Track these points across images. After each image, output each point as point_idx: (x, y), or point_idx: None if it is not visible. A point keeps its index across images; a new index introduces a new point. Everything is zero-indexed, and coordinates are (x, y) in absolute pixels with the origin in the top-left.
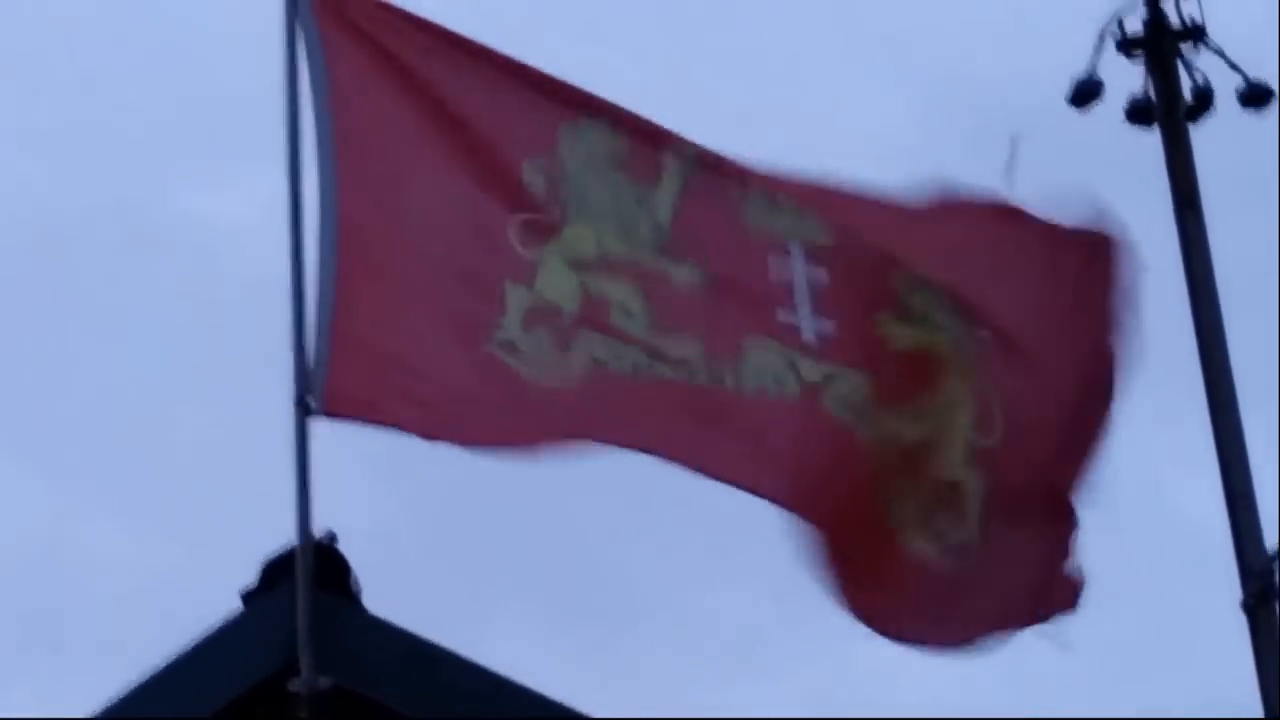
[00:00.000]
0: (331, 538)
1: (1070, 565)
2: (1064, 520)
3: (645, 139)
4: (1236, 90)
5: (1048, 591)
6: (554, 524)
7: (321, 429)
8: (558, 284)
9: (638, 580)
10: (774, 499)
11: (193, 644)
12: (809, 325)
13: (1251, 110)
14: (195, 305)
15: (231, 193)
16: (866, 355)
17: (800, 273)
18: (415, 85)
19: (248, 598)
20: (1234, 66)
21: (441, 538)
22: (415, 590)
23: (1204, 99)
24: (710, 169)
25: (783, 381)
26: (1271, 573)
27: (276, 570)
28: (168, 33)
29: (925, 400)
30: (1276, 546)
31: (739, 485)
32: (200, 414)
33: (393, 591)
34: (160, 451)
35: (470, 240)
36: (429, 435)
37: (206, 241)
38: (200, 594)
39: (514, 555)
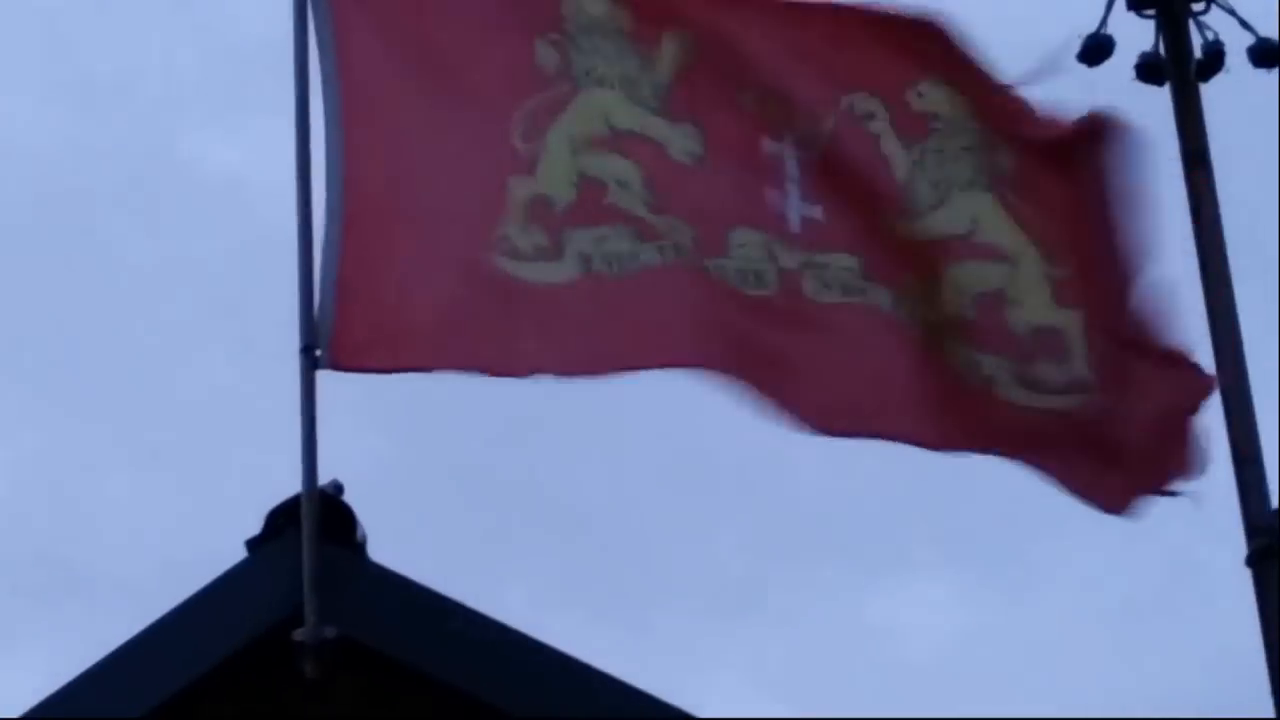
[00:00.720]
0: (337, 488)
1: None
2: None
3: (645, 17)
4: (1248, 49)
5: (1174, 445)
6: (559, 471)
7: (331, 378)
8: (558, 174)
9: (639, 526)
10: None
11: (197, 593)
12: (795, 210)
13: (1263, 69)
14: (207, 253)
15: (243, 141)
16: (860, 239)
17: (790, 160)
18: (420, 3)
19: (253, 546)
20: (1245, 25)
21: (453, 487)
22: (427, 541)
23: (1215, 57)
24: (705, 56)
25: (762, 275)
26: (1276, 529)
27: (282, 520)
28: None
29: (943, 282)
30: None
31: (761, 398)
32: (211, 362)
33: (404, 542)
34: (169, 400)
35: (476, 152)
36: (435, 368)
37: (219, 190)
38: (206, 542)
39: (523, 506)
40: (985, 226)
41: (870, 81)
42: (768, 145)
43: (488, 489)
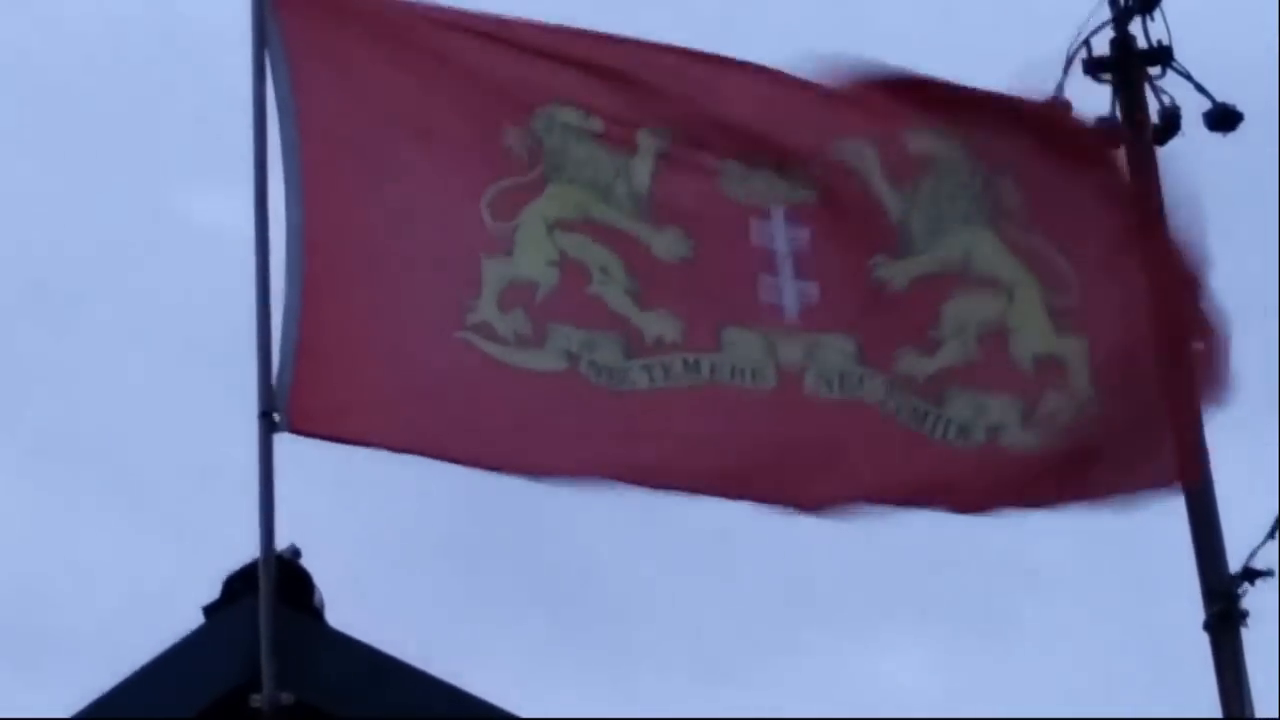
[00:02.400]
0: (295, 552)
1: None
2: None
3: (620, 121)
4: (1204, 113)
5: (1169, 455)
6: (539, 535)
7: (298, 442)
8: (535, 254)
9: (621, 591)
10: (768, 499)
11: (154, 658)
12: (791, 294)
13: (1219, 132)
14: (189, 307)
15: (227, 197)
16: (855, 314)
17: (781, 236)
18: (387, 62)
19: (210, 611)
20: (1201, 89)
21: (434, 550)
22: (406, 606)
23: (1171, 121)
24: (684, 144)
25: (760, 371)
26: (1234, 593)
27: (239, 584)
28: (175, 33)
29: (942, 321)
30: (1239, 568)
31: (735, 497)
32: (180, 419)
33: (383, 606)
34: (136, 458)
35: (443, 227)
36: (398, 449)
37: (206, 243)
38: (163, 606)
39: (505, 569)
40: (980, 259)
41: (859, 128)
42: (756, 229)
43: (471, 552)
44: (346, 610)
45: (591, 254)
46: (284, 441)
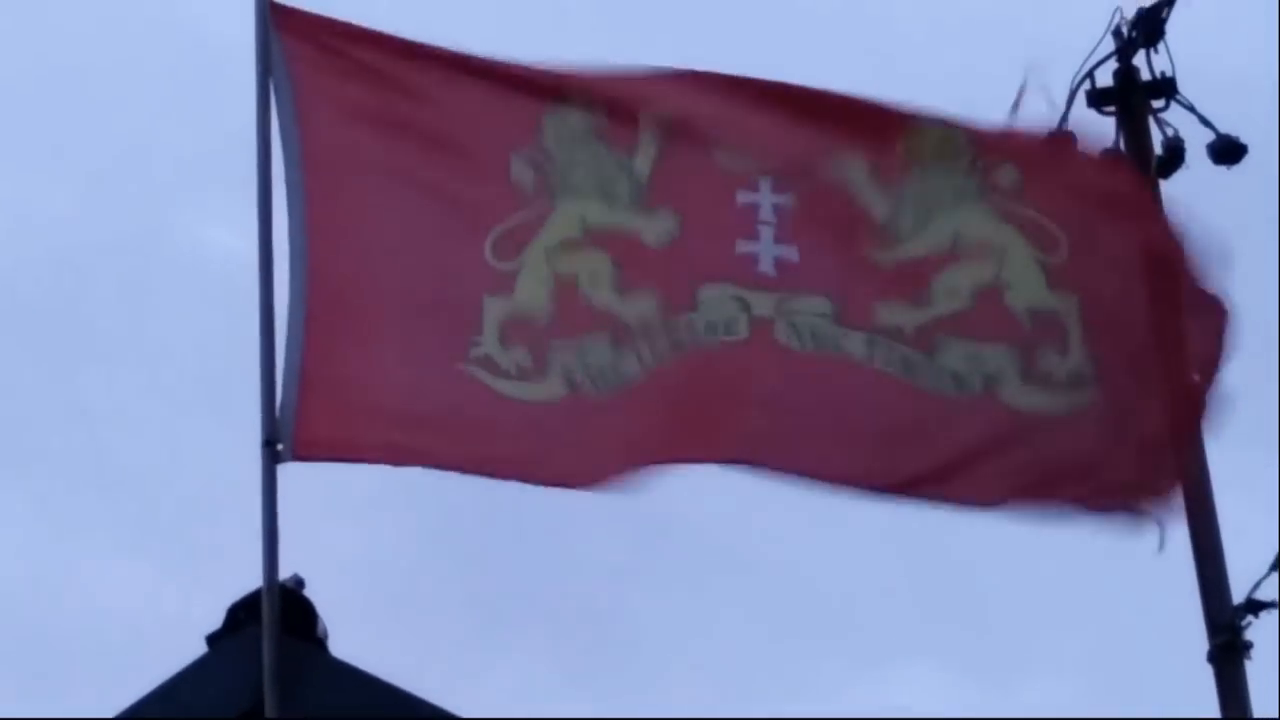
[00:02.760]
0: (298, 582)
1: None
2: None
3: (620, 110)
4: (1208, 145)
5: (1162, 459)
6: (546, 565)
7: (321, 473)
8: (535, 287)
9: (633, 614)
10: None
11: (159, 685)
12: (768, 254)
13: (1223, 165)
14: (199, 335)
15: (238, 225)
16: (834, 278)
17: (766, 200)
18: (390, 109)
19: (213, 640)
20: (1205, 121)
21: (448, 576)
22: (403, 635)
23: (1175, 153)
24: (683, 132)
25: (733, 324)
26: (1237, 625)
27: (243, 614)
28: (195, 64)
29: (932, 286)
30: (1242, 599)
31: (730, 461)
32: (189, 447)
33: (394, 635)
34: (143, 488)
35: (445, 262)
36: (399, 463)
37: (216, 272)
38: (168, 634)
39: (510, 599)
40: (970, 231)
41: (851, 141)
42: (742, 197)
43: (474, 582)
44: (349, 640)
45: (583, 263)
46: (290, 472)
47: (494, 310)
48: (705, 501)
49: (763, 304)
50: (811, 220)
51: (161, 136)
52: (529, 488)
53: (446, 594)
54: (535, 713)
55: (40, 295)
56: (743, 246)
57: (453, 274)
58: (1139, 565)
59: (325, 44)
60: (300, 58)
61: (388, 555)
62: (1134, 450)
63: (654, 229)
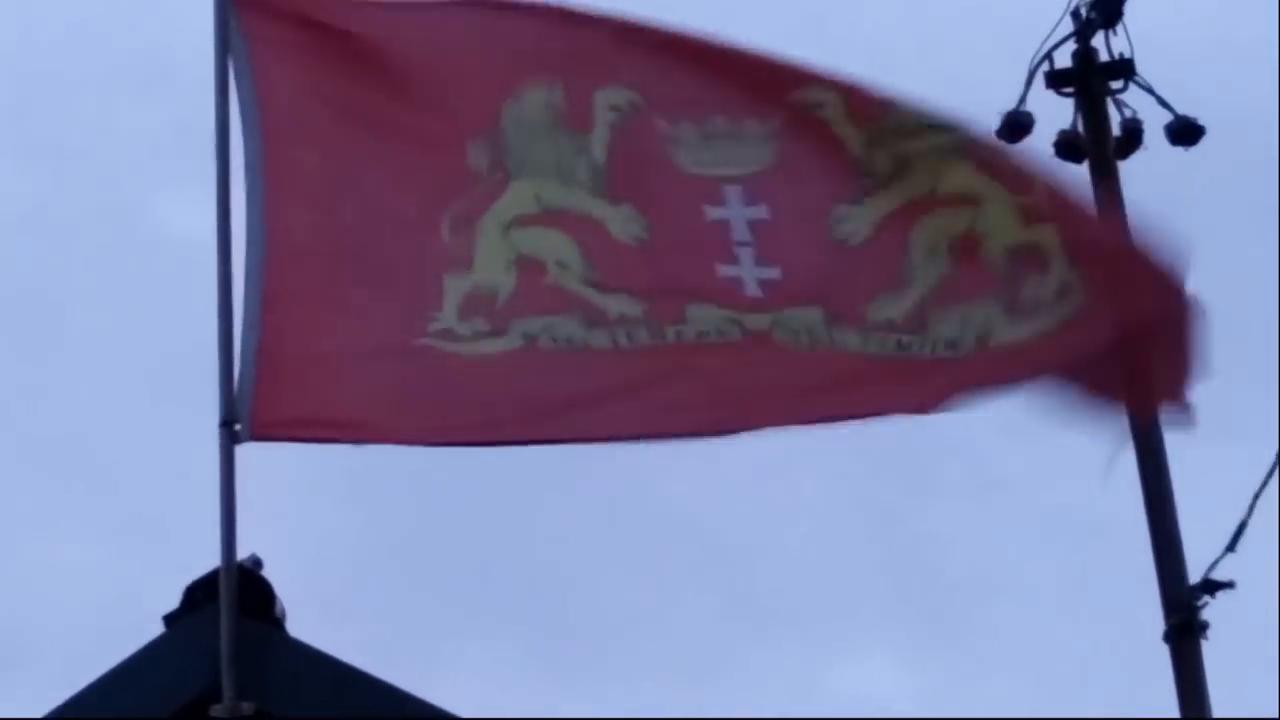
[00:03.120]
0: (256, 562)
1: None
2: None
3: (578, 85)
4: (1166, 126)
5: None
6: (503, 545)
7: (268, 453)
8: (494, 260)
9: (592, 597)
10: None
11: (114, 667)
12: (751, 277)
13: (1181, 146)
14: (165, 317)
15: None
16: (819, 284)
17: (739, 217)
18: (350, 88)
19: (170, 621)
20: (1163, 103)
21: (391, 562)
22: (362, 615)
23: (1133, 134)
24: (637, 113)
25: (726, 332)
26: (1194, 605)
27: (200, 594)
28: (160, 42)
29: (910, 250)
30: (1199, 579)
31: (695, 434)
32: (153, 427)
33: (338, 616)
34: (102, 466)
35: (404, 242)
36: (358, 442)
37: (183, 254)
38: (124, 615)
39: (469, 579)
40: (948, 181)
41: (819, 78)
42: (711, 212)
43: (434, 561)
44: (308, 620)
45: (547, 246)
46: (248, 452)
47: (454, 288)
48: (672, 486)
49: (757, 321)
50: (788, 211)
51: (123, 115)
52: (491, 456)
53: (408, 575)
54: (499, 695)
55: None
56: (725, 270)
57: (412, 254)
58: (1096, 542)
59: (284, 16)
60: (258, 34)
61: (347, 536)
62: (1131, 344)
63: (620, 223)
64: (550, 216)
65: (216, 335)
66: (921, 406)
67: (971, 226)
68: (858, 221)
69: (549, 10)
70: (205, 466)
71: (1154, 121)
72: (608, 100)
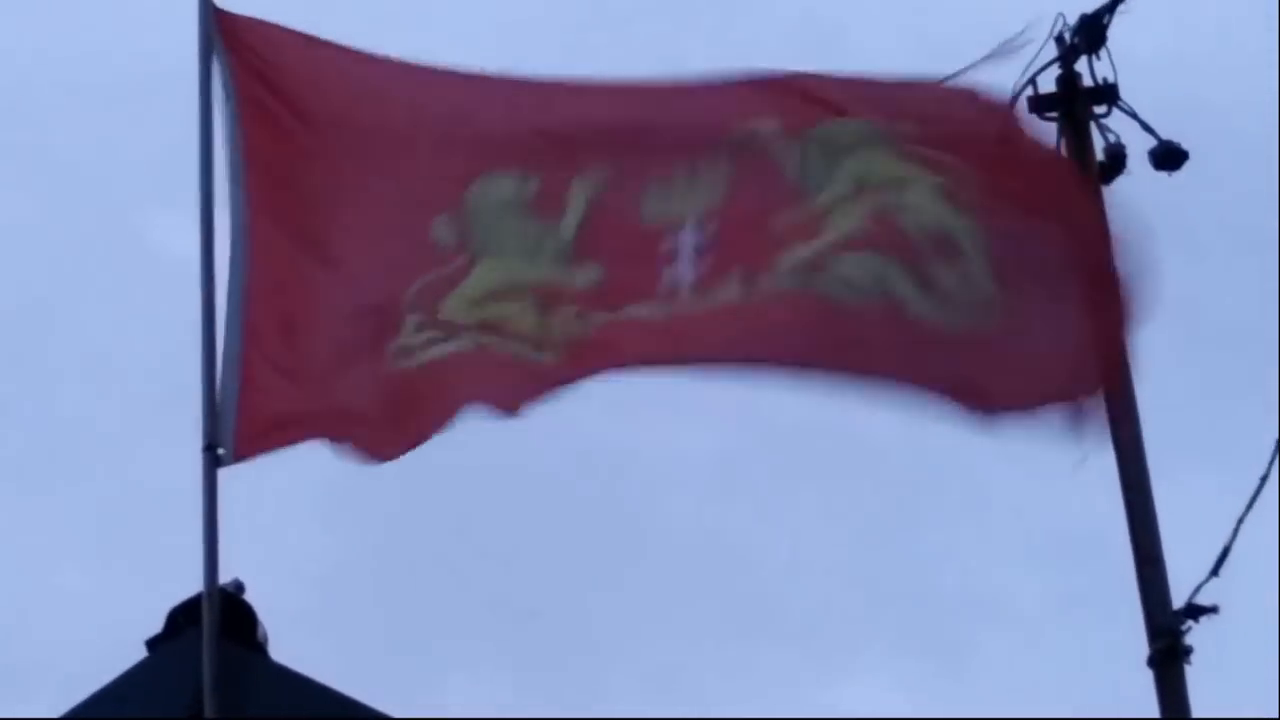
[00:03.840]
0: (238, 587)
1: (1108, 345)
2: (1103, 292)
3: (555, 176)
4: (1149, 151)
5: (1081, 366)
6: (494, 561)
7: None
8: (456, 312)
9: (588, 614)
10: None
11: (98, 690)
12: (687, 272)
13: (1164, 170)
14: (162, 338)
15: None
16: (743, 256)
17: (687, 239)
18: (323, 133)
19: (153, 645)
20: (1147, 127)
21: (372, 586)
22: (344, 639)
23: (1117, 159)
24: (613, 188)
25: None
26: (1177, 630)
27: (182, 618)
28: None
29: (826, 224)
30: (1183, 604)
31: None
32: (146, 452)
33: (319, 640)
34: (85, 490)
35: (373, 294)
36: (335, 435)
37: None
38: (107, 640)
39: (469, 594)
40: (873, 175)
41: (766, 113)
42: (665, 246)
43: (418, 585)
44: (289, 645)
45: (509, 310)
46: (232, 476)
47: (413, 320)
48: (664, 499)
49: (687, 304)
50: (729, 226)
51: (122, 140)
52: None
53: (393, 598)
54: (490, 714)
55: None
56: (665, 277)
57: (380, 301)
58: (1080, 567)
59: (266, 53)
60: (242, 67)
61: (330, 560)
62: (1047, 356)
63: (580, 278)
64: (516, 291)
65: (200, 362)
66: (823, 348)
67: (894, 201)
68: (792, 219)
69: (518, 87)
70: (188, 490)
71: (1138, 147)
72: (584, 186)
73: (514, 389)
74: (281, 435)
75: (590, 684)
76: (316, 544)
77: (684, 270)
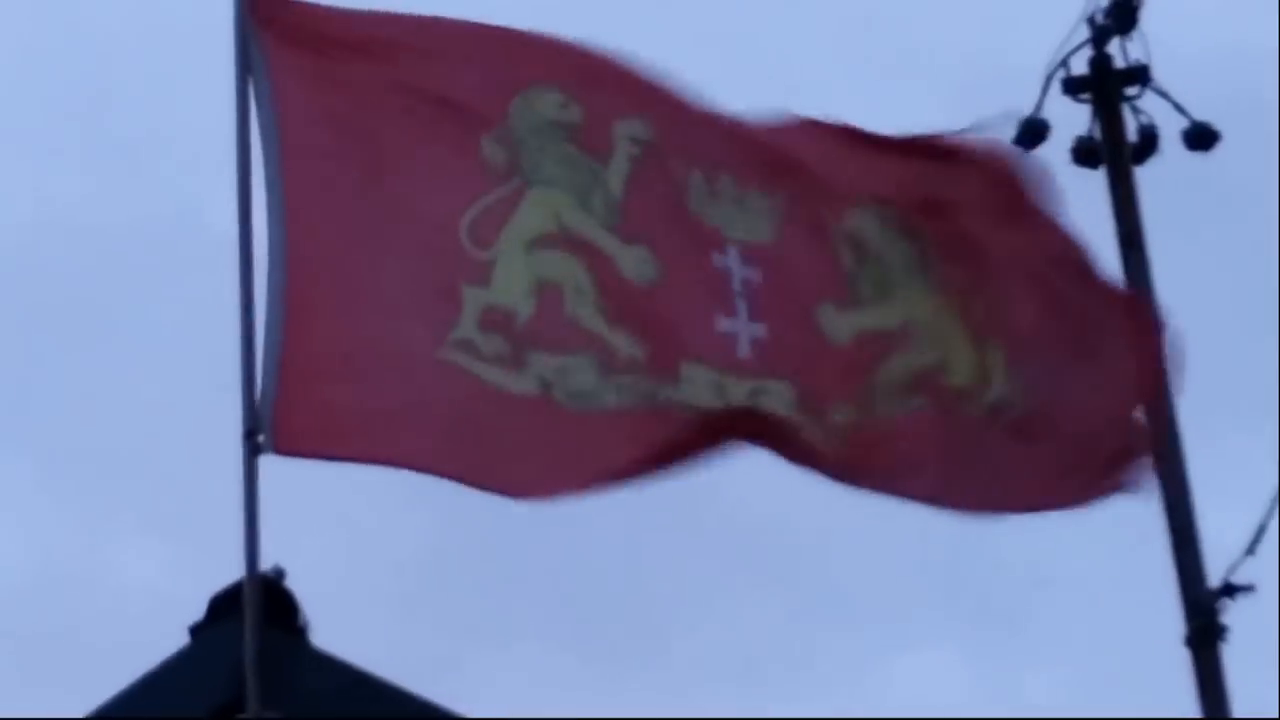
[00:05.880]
0: (279, 573)
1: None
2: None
3: (598, 110)
4: (1182, 132)
5: (1112, 463)
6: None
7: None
8: (512, 281)
9: (647, 603)
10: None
11: (140, 677)
12: (745, 333)
13: (1196, 151)
14: (192, 322)
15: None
16: (798, 361)
17: (737, 274)
18: (365, 90)
19: (195, 631)
20: (1179, 108)
21: (412, 571)
22: (384, 624)
23: (1149, 140)
24: (656, 151)
25: (710, 404)
26: (1214, 609)
27: (224, 605)
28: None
29: (876, 376)
30: (1219, 583)
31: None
32: (175, 435)
33: (360, 626)
34: (130, 477)
35: (424, 252)
36: (380, 463)
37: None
38: (150, 626)
39: (496, 588)
40: (914, 314)
41: (806, 164)
42: (716, 260)
43: (459, 571)
44: (331, 630)
45: (566, 272)
46: (272, 461)
47: (472, 299)
48: (725, 487)
49: (738, 391)
50: (778, 282)
51: (174, 120)
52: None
53: (441, 584)
54: (540, 706)
55: (49, 278)
56: (722, 324)
57: (431, 262)
58: (1116, 549)
59: (301, 25)
60: (278, 34)
61: (373, 544)
62: (1086, 441)
63: (632, 263)
64: (569, 242)
65: (239, 347)
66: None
67: (938, 363)
68: (840, 325)
69: (562, 39)
70: (225, 476)
71: (1171, 128)
72: (629, 132)
73: (563, 473)
74: (324, 442)
75: (653, 664)
76: (353, 528)
77: (742, 325)
